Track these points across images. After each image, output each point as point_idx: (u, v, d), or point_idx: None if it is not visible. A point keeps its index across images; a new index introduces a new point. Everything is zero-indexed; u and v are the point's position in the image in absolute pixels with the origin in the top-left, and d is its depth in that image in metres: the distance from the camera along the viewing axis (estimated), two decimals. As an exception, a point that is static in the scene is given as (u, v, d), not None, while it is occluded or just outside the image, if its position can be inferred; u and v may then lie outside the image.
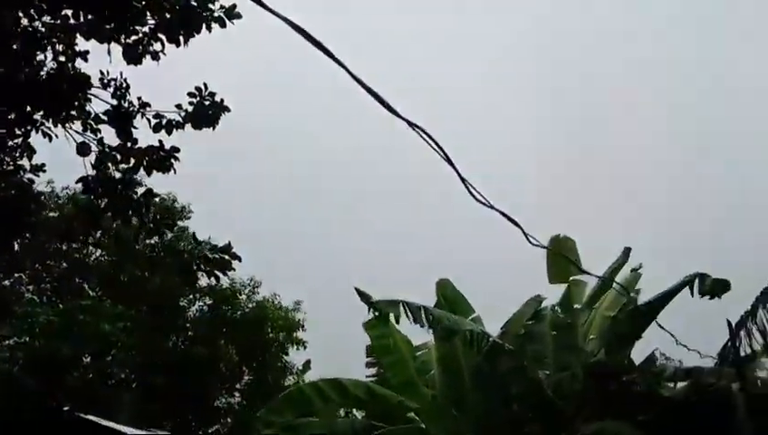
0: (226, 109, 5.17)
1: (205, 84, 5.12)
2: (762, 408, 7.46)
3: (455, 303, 11.24)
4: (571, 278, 10.72)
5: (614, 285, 10.10)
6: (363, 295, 10.14)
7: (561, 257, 10.50)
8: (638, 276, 10.99)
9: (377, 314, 9.25)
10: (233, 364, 14.15)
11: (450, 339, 9.80)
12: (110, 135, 5.36)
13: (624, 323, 9.84)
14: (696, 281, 8.94)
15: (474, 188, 4.29)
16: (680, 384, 9.55)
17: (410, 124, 3.24)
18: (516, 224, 3.75)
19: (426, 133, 3.32)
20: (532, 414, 9.45)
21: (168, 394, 13.76)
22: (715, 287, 8.71)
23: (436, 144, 3.38)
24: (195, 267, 5.60)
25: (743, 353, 9.02)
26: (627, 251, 10.95)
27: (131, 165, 5.27)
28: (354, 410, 12.98)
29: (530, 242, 3.90)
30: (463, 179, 3.89)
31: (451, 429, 10.13)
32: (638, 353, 10.22)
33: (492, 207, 4.50)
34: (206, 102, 5.10)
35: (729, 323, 8.24)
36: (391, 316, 9.52)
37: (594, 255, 11.45)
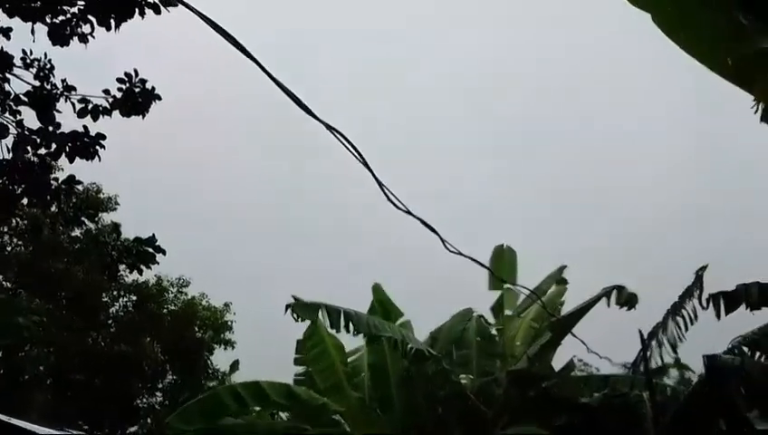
0: (157, 97, 5.02)
1: (135, 70, 4.97)
2: (668, 415, 7.84)
3: (386, 307, 11.39)
4: (505, 287, 11.12)
5: (539, 296, 10.48)
6: (296, 302, 10.04)
7: (502, 266, 10.97)
8: (563, 290, 11.51)
9: (297, 316, 9.14)
10: (156, 363, 13.70)
11: (373, 343, 9.89)
12: (31, 118, 5.13)
13: (545, 331, 10.23)
14: (614, 293, 9.43)
15: (391, 193, 4.31)
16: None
17: (328, 127, 3.21)
18: (433, 230, 3.81)
19: (343, 136, 3.28)
20: (456, 417, 9.65)
21: (86, 393, 13.19)
22: (630, 299, 9.20)
23: (353, 147, 3.34)
24: (116, 259, 5.41)
25: (655, 363, 9.57)
26: (561, 268, 11.61)
27: (52, 150, 5.04)
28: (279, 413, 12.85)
29: (447, 249, 3.98)
30: (380, 184, 3.82)
31: (376, 430, 10.21)
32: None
33: (409, 212, 4.54)
34: (137, 89, 4.96)
35: (641, 334, 8.65)
36: (323, 322, 9.53)
37: (537, 261, 12.00)
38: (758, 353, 7.07)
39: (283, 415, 12.73)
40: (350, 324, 9.01)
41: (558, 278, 11.56)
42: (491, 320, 11.46)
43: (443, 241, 3.94)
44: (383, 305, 11.11)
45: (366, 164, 3.40)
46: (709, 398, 5.92)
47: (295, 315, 9.20)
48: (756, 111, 5.12)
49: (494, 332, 11.21)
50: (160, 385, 14.78)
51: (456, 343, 10.57)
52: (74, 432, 10.94)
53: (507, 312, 11.28)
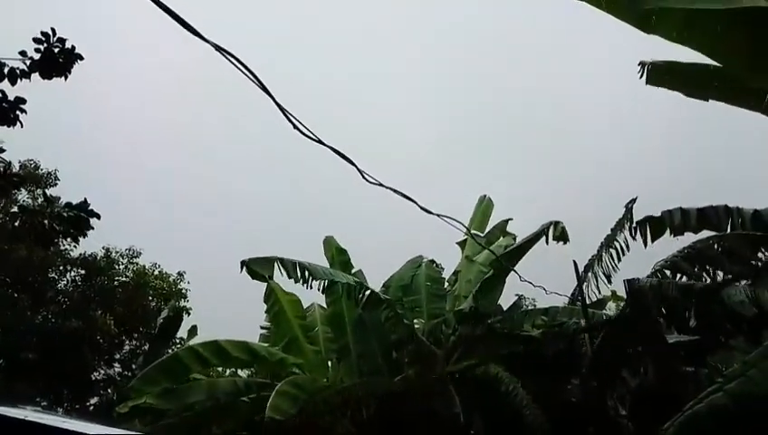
0: (79, 57, 4.94)
1: (53, 29, 4.86)
2: (601, 343, 8.27)
3: (339, 258, 11.61)
4: (471, 232, 11.46)
5: (483, 241, 10.92)
6: (251, 259, 10.05)
7: (479, 214, 11.42)
8: (510, 240, 11.91)
9: (253, 274, 9.20)
10: (111, 335, 13.61)
11: (329, 292, 10.11)
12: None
13: (491, 272, 10.67)
14: (551, 228, 9.90)
15: (299, 122, 4.01)
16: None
17: (217, 48, 3.02)
18: (349, 161, 3.91)
19: (238, 61, 3.09)
20: (409, 359, 10.06)
21: (41, 371, 13.02)
22: (564, 234, 9.70)
23: (249, 71, 3.16)
24: (48, 228, 5.36)
25: (594, 295, 10.15)
26: (507, 220, 12.09)
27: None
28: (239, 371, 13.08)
29: (366, 180, 4.12)
30: (283, 111, 3.68)
31: (333, 378, 10.57)
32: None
33: (320, 141, 4.51)
34: (56, 49, 4.86)
35: (575, 265, 9.11)
36: (278, 281, 9.65)
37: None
38: (678, 275, 7.57)
39: (243, 373, 12.98)
40: (306, 274, 9.13)
41: (504, 229, 12.05)
42: (443, 265, 11.92)
43: (361, 173, 4.09)
44: (336, 256, 11.35)
45: (266, 90, 3.29)
46: (630, 319, 6.37)
47: (251, 273, 9.27)
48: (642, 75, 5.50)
49: (443, 275, 11.60)
50: (118, 356, 14.71)
51: (406, 289, 10.92)
52: (29, 408, 10.89)
53: (467, 254, 11.64)
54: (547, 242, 9.99)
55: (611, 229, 9.77)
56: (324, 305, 11.28)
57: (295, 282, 8.87)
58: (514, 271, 9.41)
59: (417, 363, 9.87)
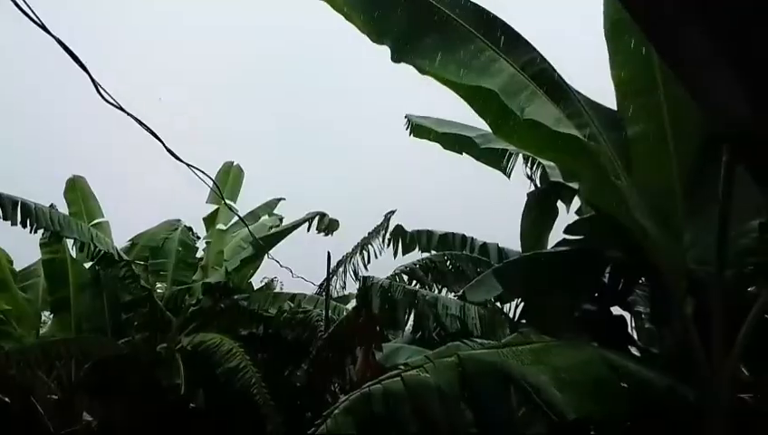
0: None
1: None
2: (336, 333, 8.65)
3: (82, 203, 10.45)
4: (223, 202, 11.02)
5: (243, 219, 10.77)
6: None
7: (226, 182, 10.84)
8: (275, 220, 11.87)
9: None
10: None
11: (52, 239, 9.02)
12: None
13: (248, 249, 10.56)
14: (317, 218, 10.18)
15: (101, 87, 3.94)
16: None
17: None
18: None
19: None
20: (139, 322, 9.42)
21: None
22: (330, 225, 10.06)
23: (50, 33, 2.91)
24: None
25: (341, 289, 10.67)
26: (278, 199, 11.99)
27: None
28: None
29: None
30: (89, 74, 3.54)
31: (46, 331, 9.46)
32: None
33: (120, 108, 4.21)
34: None
35: (328, 257, 9.48)
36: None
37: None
38: (412, 281, 8.36)
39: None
40: (29, 219, 7.85)
41: (272, 208, 11.98)
42: (202, 233, 11.37)
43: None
44: (78, 201, 10.17)
45: (67, 49, 3.00)
46: (358, 312, 6.88)
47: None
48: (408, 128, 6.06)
49: (199, 244, 11.13)
50: None
51: (155, 251, 10.24)
52: None
53: (220, 226, 11.25)
54: (308, 230, 10.26)
55: (368, 233, 10.46)
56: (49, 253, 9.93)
57: (12, 224, 7.48)
58: (269, 255, 9.46)
59: (147, 329, 9.29)
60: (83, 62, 3.73)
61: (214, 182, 8.34)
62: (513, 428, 3.77)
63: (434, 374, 3.55)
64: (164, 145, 4.89)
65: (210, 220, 11.22)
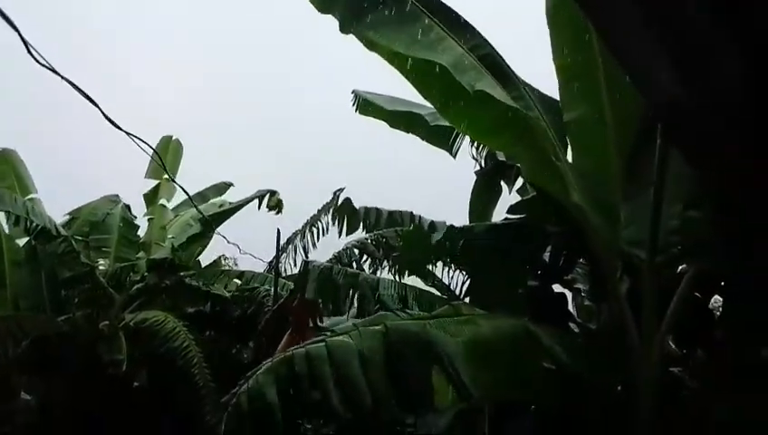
0: None
1: None
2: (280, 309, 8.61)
3: (18, 179, 10.03)
4: (164, 177, 10.70)
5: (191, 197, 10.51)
6: None
7: (165, 157, 10.45)
8: (224, 202, 11.63)
9: None
10: None
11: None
12: None
13: (195, 227, 10.35)
14: (267, 196, 10.03)
15: (35, 49, 3.76)
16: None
17: None
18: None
19: None
20: (80, 299, 9.14)
21: None
22: (279, 205, 9.93)
23: None
24: None
25: (290, 267, 10.58)
26: (228, 184, 11.74)
27: None
28: None
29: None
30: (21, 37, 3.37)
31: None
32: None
33: (54, 70, 4.03)
34: None
35: (278, 233, 9.35)
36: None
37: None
38: (362, 257, 8.31)
39: None
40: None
41: (222, 191, 11.74)
42: (142, 208, 11.06)
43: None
44: (10, 175, 9.74)
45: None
46: (293, 297, 6.94)
47: None
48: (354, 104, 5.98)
49: (141, 221, 10.84)
50: None
51: (96, 226, 9.91)
52: None
53: (162, 202, 11.00)
54: (259, 208, 10.11)
55: (318, 210, 10.37)
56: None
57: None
58: (221, 235, 9.29)
59: (89, 305, 9.02)
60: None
61: (156, 153, 8.07)
62: (428, 396, 3.87)
63: (358, 341, 3.64)
64: (102, 111, 4.67)
65: (152, 196, 10.92)
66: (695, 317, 4.40)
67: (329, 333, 3.76)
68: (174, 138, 11.28)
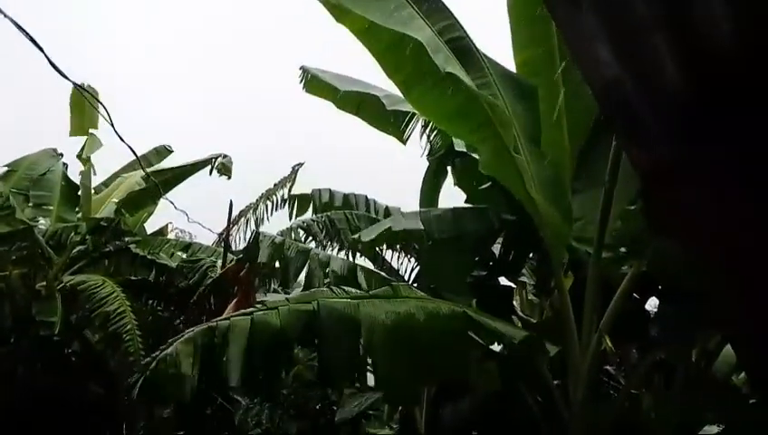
0: None
1: None
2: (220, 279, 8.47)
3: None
4: (90, 131, 10.14)
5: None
6: None
7: (83, 111, 9.81)
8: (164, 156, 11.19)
9: None
10: None
11: None
12: None
13: (140, 191, 10.00)
14: (218, 160, 9.80)
15: None
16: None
17: None
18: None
19: None
20: (17, 257, 8.72)
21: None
22: (226, 169, 9.71)
23: None
24: None
25: (241, 239, 10.37)
26: (168, 149, 11.27)
27: None
28: None
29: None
30: None
31: None
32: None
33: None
34: None
35: (230, 205, 9.14)
36: None
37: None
38: (308, 237, 8.21)
39: None
40: None
41: (163, 156, 11.26)
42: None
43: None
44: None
45: None
46: (240, 264, 6.93)
47: None
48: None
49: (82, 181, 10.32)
50: None
51: (37, 182, 9.43)
52: None
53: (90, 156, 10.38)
54: (210, 173, 9.89)
55: (274, 184, 10.19)
56: None
57: None
58: (169, 200, 9.01)
59: (26, 264, 8.62)
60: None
61: (99, 102, 7.53)
62: (344, 375, 3.92)
63: (285, 316, 3.63)
64: (47, 57, 4.42)
65: (84, 154, 10.27)
66: (631, 317, 4.50)
67: (259, 306, 3.74)
68: (87, 84, 10.53)
